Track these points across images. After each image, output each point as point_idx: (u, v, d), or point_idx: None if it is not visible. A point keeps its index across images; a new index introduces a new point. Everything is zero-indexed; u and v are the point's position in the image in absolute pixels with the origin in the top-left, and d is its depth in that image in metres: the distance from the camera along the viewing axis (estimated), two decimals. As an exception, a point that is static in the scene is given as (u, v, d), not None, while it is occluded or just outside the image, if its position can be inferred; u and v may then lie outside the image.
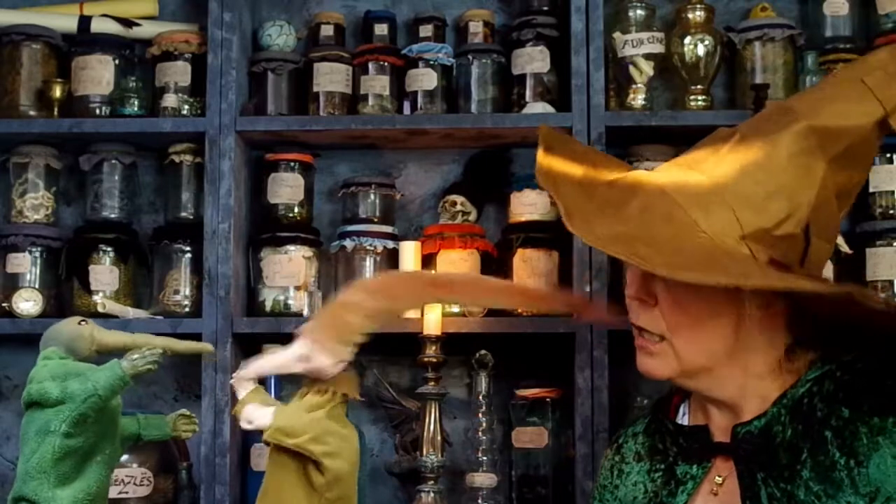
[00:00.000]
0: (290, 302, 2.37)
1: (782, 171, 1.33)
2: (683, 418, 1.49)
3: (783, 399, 1.37)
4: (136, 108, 2.45)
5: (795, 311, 1.37)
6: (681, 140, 2.13)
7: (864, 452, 1.29)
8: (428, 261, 2.36)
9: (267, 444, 1.40)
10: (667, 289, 1.37)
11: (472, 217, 2.44)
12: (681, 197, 1.34)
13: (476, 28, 2.50)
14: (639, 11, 2.43)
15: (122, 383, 1.42)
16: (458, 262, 2.36)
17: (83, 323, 1.52)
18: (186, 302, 2.40)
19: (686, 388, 1.45)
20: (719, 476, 1.39)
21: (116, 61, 2.48)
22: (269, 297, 2.38)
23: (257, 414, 1.40)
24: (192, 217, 2.45)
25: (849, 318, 1.34)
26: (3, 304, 2.38)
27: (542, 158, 1.46)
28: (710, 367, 1.39)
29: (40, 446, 1.40)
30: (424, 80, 2.44)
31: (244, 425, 1.41)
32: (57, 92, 2.46)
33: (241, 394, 1.42)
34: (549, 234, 2.36)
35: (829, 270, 2.18)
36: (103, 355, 1.51)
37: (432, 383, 2.21)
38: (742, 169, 1.34)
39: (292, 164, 2.45)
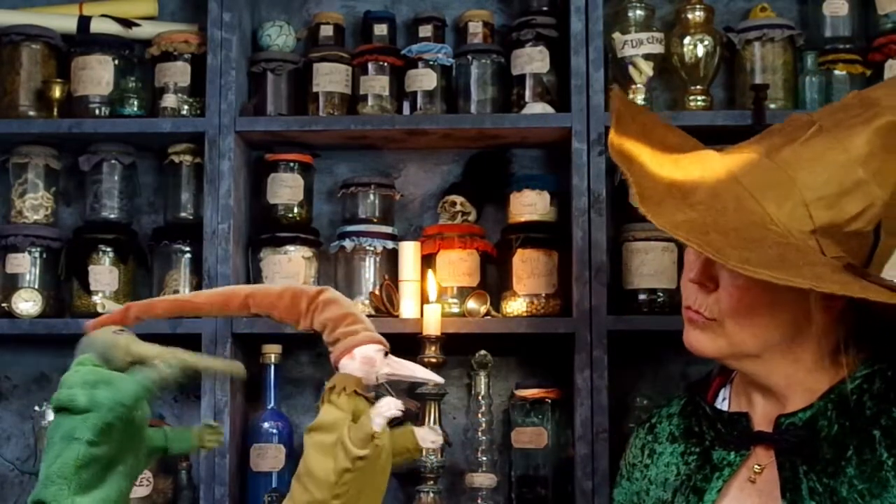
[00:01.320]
0: (289, 302, 2.37)
1: (860, 166, 1.30)
2: (723, 403, 1.46)
3: (830, 394, 1.35)
4: (135, 109, 2.45)
5: (853, 307, 1.34)
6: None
7: None
8: (428, 261, 2.36)
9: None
10: (731, 277, 1.34)
11: (472, 217, 2.44)
12: (753, 185, 1.32)
13: (475, 28, 2.50)
14: (638, 12, 2.43)
15: (147, 392, 1.41)
16: (457, 262, 2.36)
17: (120, 332, 1.50)
18: (186, 302, 2.40)
19: (732, 367, 1.43)
20: (758, 465, 1.37)
21: (116, 61, 2.48)
22: (268, 298, 2.37)
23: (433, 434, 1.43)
24: (191, 217, 2.45)
25: None
26: (3, 305, 2.38)
27: (614, 137, 1.41)
28: (759, 355, 1.37)
29: (63, 452, 1.38)
30: (424, 80, 2.44)
31: (431, 445, 1.43)
32: (56, 92, 2.46)
33: (383, 425, 1.40)
34: (548, 235, 2.36)
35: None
36: (137, 367, 1.50)
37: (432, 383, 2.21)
38: (818, 162, 1.31)
39: (292, 164, 2.45)
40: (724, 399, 1.47)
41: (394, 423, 1.41)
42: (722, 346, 1.37)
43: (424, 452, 1.44)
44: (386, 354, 1.45)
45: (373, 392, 1.47)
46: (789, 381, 1.38)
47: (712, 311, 1.36)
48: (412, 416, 2.29)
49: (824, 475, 1.30)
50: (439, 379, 1.58)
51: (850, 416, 1.33)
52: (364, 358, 1.42)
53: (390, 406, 1.38)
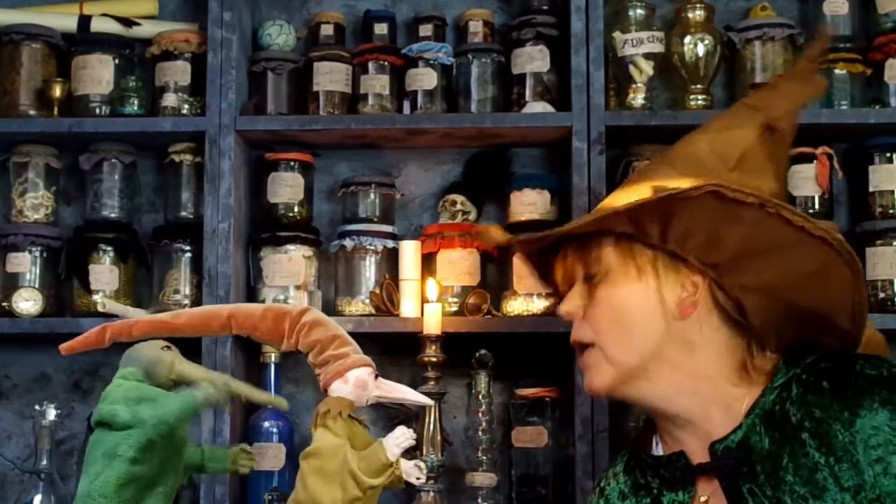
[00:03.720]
0: (289, 301, 2.37)
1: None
2: (657, 449, 1.50)
3: (755, 409, 1.39)
4: (135, 108, 2.45)
5: (724, 302, 1.40)
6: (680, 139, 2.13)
7: (841, 448, 1.31)
8: (428, 260, 2.36)
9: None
10: (597, 293, 1.42)
11: (472, 216, 2.44)
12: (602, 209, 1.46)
13: (476, 27, 2.50)
14: (639, 11, 2.43)
15: (192, 412, 1.40)
16: (457, 261, 2.36)
17: (167, 349, 1.49)
18: (186, 301, 2.40)
19: (630, 399, 1.46)
20: (703, 496, 1.40)
21: (116, 61, 2.48)
22: (268, 297, 2.38)
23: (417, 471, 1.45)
24: (191, 216, 2.45)
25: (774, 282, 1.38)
26: (3, 304, 2.38)
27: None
28: (644, 367, 1.41)
29: (105, 469, 1.37)
30: (424, 79, 2.44)
31: (415, 482, 1.44)
32: (57, 91, 2.46)
33: (398, 455, 1.41)
34: (548, 234, 2.36)
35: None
36: (179, 385, 1.48)
37: (432, 383, 2.21)
38: (655, 179, 1.44)
39: (292, 163, 2.45)
40: (657, 445, 1.51)
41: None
42: (609, 372, 1.42)
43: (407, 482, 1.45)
44: (376, 377, 1.45)
45: (364, 415, 1.47)
46: (697, 399, 1.41)
47: (586, 335, 1.44)
48: (412, 416, 2.30)
49: (767, 488, 1.34)
50: (428, 401, 1.59)
51: (777, 426, 1.36)
52: (357, 381, 1.43)
53: (406, 436, 1.39)
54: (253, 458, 1.57)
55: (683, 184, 1.37)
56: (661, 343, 1.40)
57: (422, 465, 1.43)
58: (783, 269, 1.35)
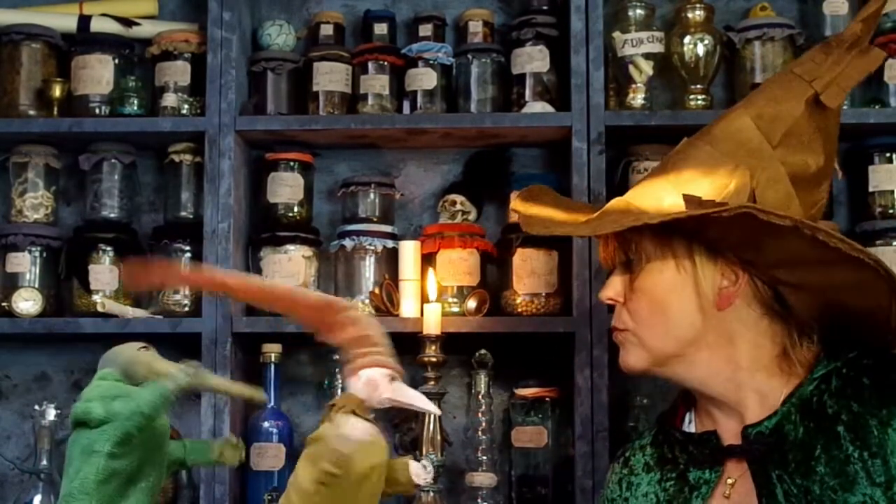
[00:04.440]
0: (289, 301, 2.37)
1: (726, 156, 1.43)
2: (690, 426, 1.51)
3: (792, 398, 1.39)
4: (135, 108, 2.45)
5: (766, 294, 1.41)
6: (680, 140, 2.12)
7: (875, 444, 1.32)
8: (428, 260, 2.36)
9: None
10: (635, 283, 1.45)
11: (472, 216, 2.44)
12: (637, 198, 1.45)
13: (476, 27, 2.50)
14: (638, 11, 2.43)
15: (165, 401, 1.39)
16: (457, 261, 2.36)
17: (143, 349, 1.49)
18: (186, 301, 2.40)
19: (665, 377, 1.48)
20: (731, 478, 1.41)
21: (116, 61, 2.48)
22: (268, 297, 2.37)
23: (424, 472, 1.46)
24: (191, 216, 2.45)
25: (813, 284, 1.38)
26: (3, 304, 2.38)
27: (521, 205, 1.58)
28: (681, 354, 1.43)
29: (83, 467, 1.37)
30: (424, 79, 2.44)
31: (423, 482, 1.45)
32: (56, 91, 2.46)
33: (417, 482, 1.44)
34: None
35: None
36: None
37: (432, 383, 2.21)
38: (693, 162, 1.45)
39: (292, 163, 2.45)
40: (690, 422, 1.52)
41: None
42: (642, 355, 1.45)
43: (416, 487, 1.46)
44: (393, 380, 1.45)
45: (373, 414, 1.47)
46: (735, 386, 1.42)
47: (626, 322, 1.46)
48: (412, 416, 2.30)
49: (797, 476, 1.35)
50: (437, 410, 1.62)
51: (813, 417, 1.37)
52: (368, 381, 1.43)
53: (430, 472, 1.46)
54: (240, 449, 1.56)
55: (722, 171, 1.39)
56: (700, 333, 1.42)
57: (428, 464, 1.44)
58: (821, 276, 1.36)
